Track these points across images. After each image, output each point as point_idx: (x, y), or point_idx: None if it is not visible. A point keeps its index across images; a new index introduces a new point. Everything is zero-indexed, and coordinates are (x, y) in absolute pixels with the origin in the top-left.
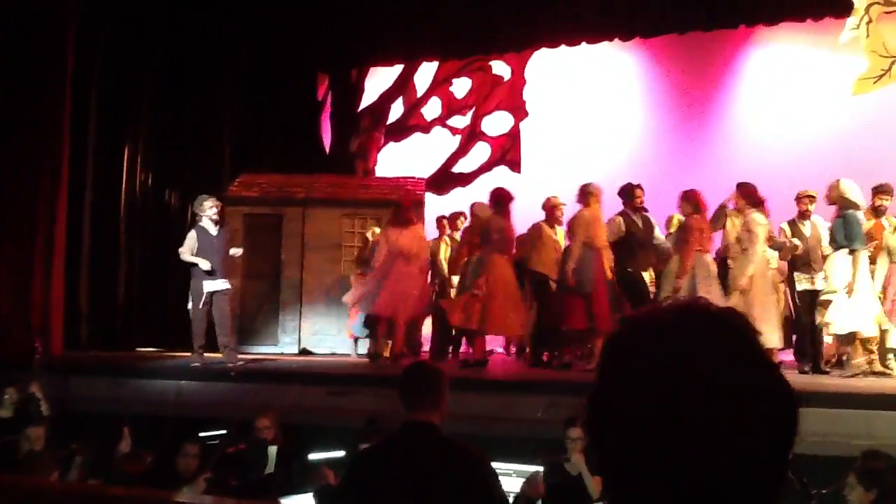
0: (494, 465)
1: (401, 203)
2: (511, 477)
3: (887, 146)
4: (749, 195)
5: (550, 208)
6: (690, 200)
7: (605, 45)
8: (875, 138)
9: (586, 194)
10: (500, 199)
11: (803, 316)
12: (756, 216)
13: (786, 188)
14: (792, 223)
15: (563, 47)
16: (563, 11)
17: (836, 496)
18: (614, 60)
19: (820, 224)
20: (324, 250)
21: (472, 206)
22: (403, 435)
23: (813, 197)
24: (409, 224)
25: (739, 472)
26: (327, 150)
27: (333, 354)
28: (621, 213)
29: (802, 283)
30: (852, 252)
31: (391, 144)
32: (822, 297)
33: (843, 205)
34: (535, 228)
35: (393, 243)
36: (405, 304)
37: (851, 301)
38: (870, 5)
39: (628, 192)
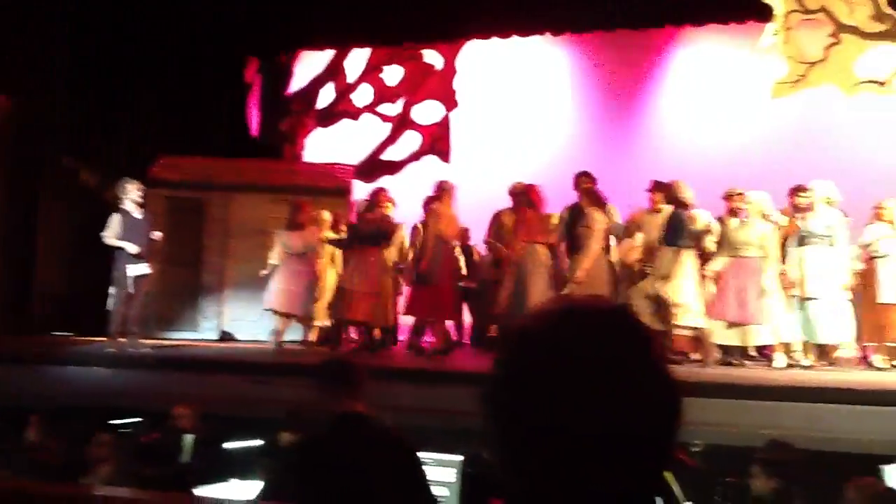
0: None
1: (297, 204)
2: (430, 466)
3: (805, 147)
4: (593, 194)
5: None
6: (524, 195)
7: (536, 38)
8: (794, 140)
9: (441, 190)
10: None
11: None
12: (597, 215)
13: (710, 186)
14: (720, 220)
15: (494, 39)
16: (494, 4)
17: (740, 485)
18: (545, 54)
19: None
20: (248, 236)
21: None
22: (342, 426)
23: (741, 195)
24: (299, 227)
25: (628, 458)
26: (254, 134)
27: (255, 341)
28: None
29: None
30: (679, 249)
31: (320, 130)
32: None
33: (676, 204)
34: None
35: (285, 243)
36: (296, 300)
37: (687, 297)
38: (789, 12)
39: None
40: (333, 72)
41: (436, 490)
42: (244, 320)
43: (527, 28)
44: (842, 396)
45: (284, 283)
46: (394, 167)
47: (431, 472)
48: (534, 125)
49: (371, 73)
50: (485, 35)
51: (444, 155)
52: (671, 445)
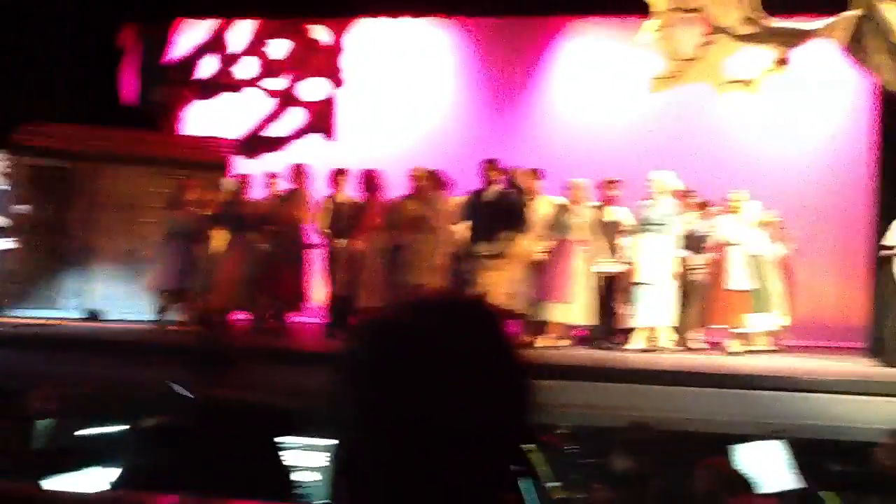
0: (291, 439)
1: (181, 183)
2: (302, 451)
3: (681, 141)
4: (437, 179)
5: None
6: (369, 181)
7: (426, 20)
8: (673, 131)
9: (298, 174)
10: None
11: None
12: (440, 198)
13: (593, 173)
14: (597, 209)
15: (384, 18)
16: None
17: (603, 465)
18: (434, 37)
19: (618, 211)
20: (119, 210)
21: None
22: (205, 411)
23: (614, 182)
24: (182, 206)
25: (484, 444)
26: (129, 103)
27: (125, 321)
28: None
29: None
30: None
31: (200, 102)
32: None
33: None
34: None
35: (168, 221)
36: (176, 280)
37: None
38: (667, 10)
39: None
40: (215, 42)
41: (307, 475)
42: (113, 298)
43: (417, 9)
44: (697, 380)
45: (166, 263)
46: (277, 143)
47: (303, 457)
48: (421, 107)
49: (256, 45)
50: (374, 14)
51: (329, 133)
52: (525, 431)
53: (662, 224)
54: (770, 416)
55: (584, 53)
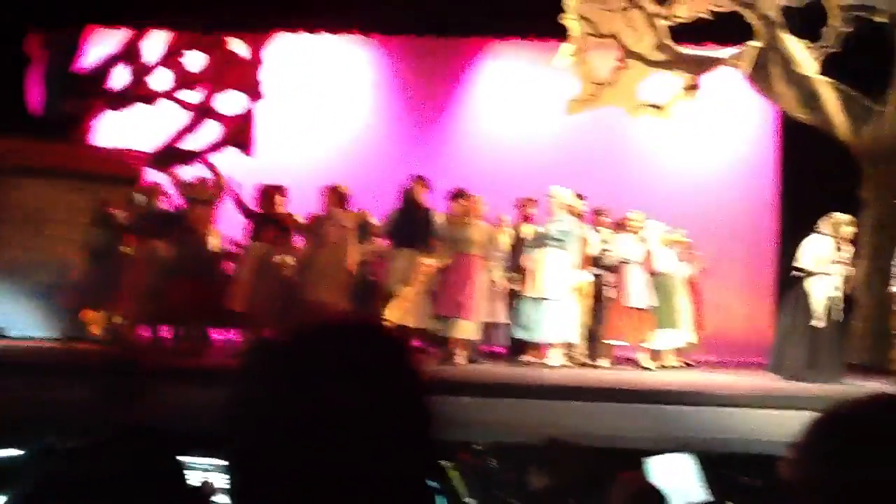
0: (200, 459)
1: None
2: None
3: (596, 162)
4: (338, 195)
5: None
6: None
7: (345, 37)
8: (587, 154)
9: (208, 185)
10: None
11: None
12: (342, 215)
13: (510, 192)
14: (516, 227)
15: (303, 34)
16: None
17: (520, 482)
18: (354, 54)
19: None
20: (23, 223)
21: None
22: (111, 436)
23: (531, 201)
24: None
25: (388, 466)
26: (36, 112)
27: (27, 338)
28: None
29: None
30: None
31: (112, 113)
32: None
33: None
34: None
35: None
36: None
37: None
38: (584, 34)
39: None
40: (129, 52)
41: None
42: (14, 315)
43: (336, 26)
44: (611, 395)
45: (84, 279)
46: (192, 157)
47: (218, 478)
48: (340, 123)
49: (171, 57)
50: (293, 29)
51: (246, 147)
52: (427, 447)
53: (561, 240)
54: (680, 430)
55: (503, 75)
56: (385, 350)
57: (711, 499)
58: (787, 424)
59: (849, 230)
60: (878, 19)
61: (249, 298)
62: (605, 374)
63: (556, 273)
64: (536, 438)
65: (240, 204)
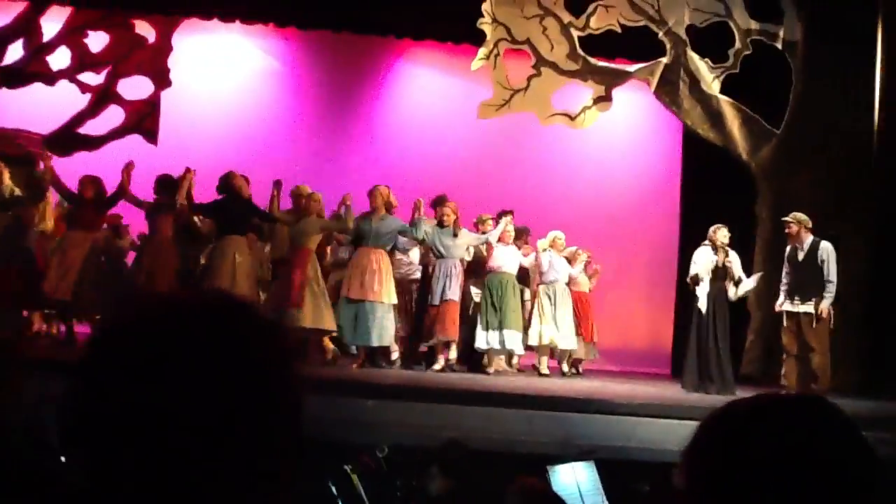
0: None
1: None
2: None
3: (504, 166)
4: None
5: None
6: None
7: (259, 27)
8: (496, 158)
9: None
10: None
11: None
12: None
13: (417, 193)
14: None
15: (216, 21)
16: None
17: (419, 486)
18: (268, 44)
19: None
20: None
21: None
22: None
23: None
24: None
25: (240, 462)
26: None
27: None
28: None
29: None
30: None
31: (6, 91)
32: None
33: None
34: None
35: None
36: None
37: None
38: (499, 40)
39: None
40: (26, 27)
41: None
42: None
43: (251, 16)
44: (513, 401)
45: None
46: (92, 143)
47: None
48: (249, 116)
49: (72, 35)
50: (205, 16)
51: (152, 136)
52: (291, 441)
53: (452, 249)
54: (581, 438)
55: (417, 77)
56: (256, 331)
57: None
58: (684, 434)
59: (724, 234)
60: (778, 45)
61: (74, 286)
62: (509, 379)
63: (445, 280)
64: (437, 442)
65: (65, 191)
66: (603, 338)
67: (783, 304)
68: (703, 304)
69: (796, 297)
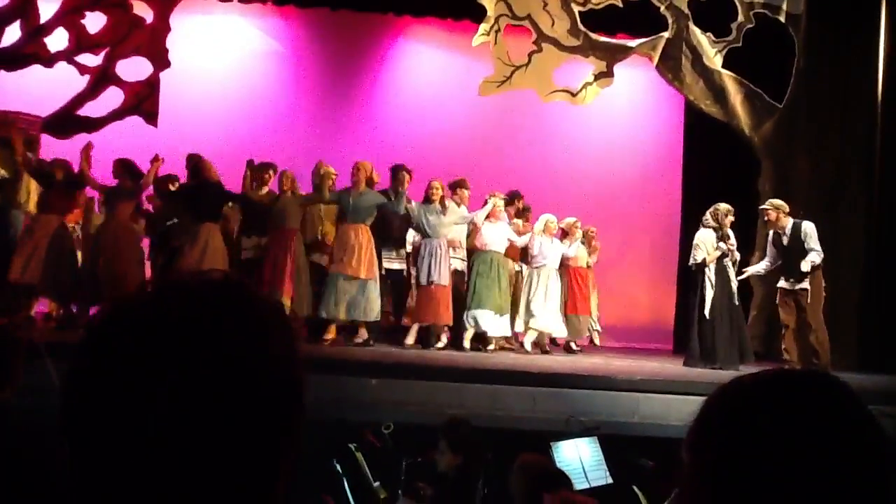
0: None
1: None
2: None
3: (506, 143)
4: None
5: None
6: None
7: (257, 6)
8: (498, 135)
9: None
10: None
11: None
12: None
13: (419, 171)
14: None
15: (214, 0)
16: None
17: (427, 463)
18: (267, 23)
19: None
20: None
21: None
22: None
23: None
24: None
25: (242, 445)
26: None
27: None
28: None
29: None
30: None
31: (4, 74)
32: None
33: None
34: None
35: None
36: None
37: None
38: (499, 16)
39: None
40: (23, 8)
41: None
42: None
43: None
44: (517, 378)
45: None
46: (92, 125)
47: None
48: (248, 96)
49: (69, 15)
50: None
51: (151, 117)
52: (294, 432)
53: (437, 227)
54: (584, 414)
55: (418, 53)
56: (257, 311)
57: (611, 481)
58: (688, 409)
59: (729, 219)
60: (781, 18)
61: (41, 270)
62: (511, 357)
63: (434, 260)
64: (441, 420)
65: (35, 172)
66: (605, 314)
67: (779, 282)
68: (709, 292)
69: (791, 279)
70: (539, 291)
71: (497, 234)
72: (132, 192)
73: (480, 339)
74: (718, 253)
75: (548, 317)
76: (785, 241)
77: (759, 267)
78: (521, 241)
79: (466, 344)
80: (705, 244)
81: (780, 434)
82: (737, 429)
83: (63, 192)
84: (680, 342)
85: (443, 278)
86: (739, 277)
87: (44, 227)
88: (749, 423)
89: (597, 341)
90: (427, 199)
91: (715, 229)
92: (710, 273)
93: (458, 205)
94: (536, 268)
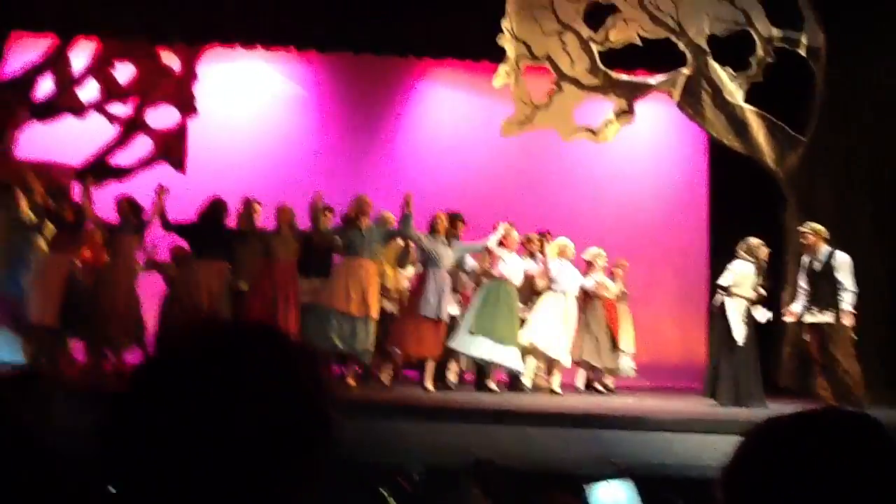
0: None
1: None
2: None
3: (529, 182)
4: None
5: None
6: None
7: (281, 52)
8: (520, 174)
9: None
10: None
11: None
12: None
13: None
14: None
15: (238, 48)
16: (239, 13)
17: None
18: (290, 69)
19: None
20: None
21: None
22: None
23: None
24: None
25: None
26: None
27: None
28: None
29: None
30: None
31: (38, 126)
32: None
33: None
34: None
35: None
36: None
37: None
38: (519, 56)
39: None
40: (56, 61)
41: None
42: None
43: (271, 41)
44: (547, 420)
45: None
46: (123, 173)
47: None
48: (274, 139)
49: (100, 67)
50: (228, 44)
51: (179, 164)
52: (316, 471)
53: (444, 258)
54: (617, 455)
55: (440, 95)
56: (295, 359)
57: None
58: (722, 448)
59: (765, 251)
60: (800, 52)
61: (58, 311)
62: (541, 398)
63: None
64: (469, 462)
65: (50, 215)
66: (635, 352)
67: (803, 316)
68: (739, 326)
69: (814, 308)
70: (551, 312)
71: (515, 265)
72: (137, 228)
73: (514, 381)
74: (754, 295)
75: (554, 340)
76: (817, 266)
77: (796, 307)
78: (536, 269)
79: (452, 378)
80: (736, 274)
81: (813, 476)
82: (769, 470)
83: (73, 232)
84: (710, 380)
85: (446, 315)
86: (785, 319)
87: (56, 268)
88: (781, 464)
89: (610, 383)
90: (433, 230)
91: (754, 264)
92: (734, 305)
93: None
94: (558, 292)
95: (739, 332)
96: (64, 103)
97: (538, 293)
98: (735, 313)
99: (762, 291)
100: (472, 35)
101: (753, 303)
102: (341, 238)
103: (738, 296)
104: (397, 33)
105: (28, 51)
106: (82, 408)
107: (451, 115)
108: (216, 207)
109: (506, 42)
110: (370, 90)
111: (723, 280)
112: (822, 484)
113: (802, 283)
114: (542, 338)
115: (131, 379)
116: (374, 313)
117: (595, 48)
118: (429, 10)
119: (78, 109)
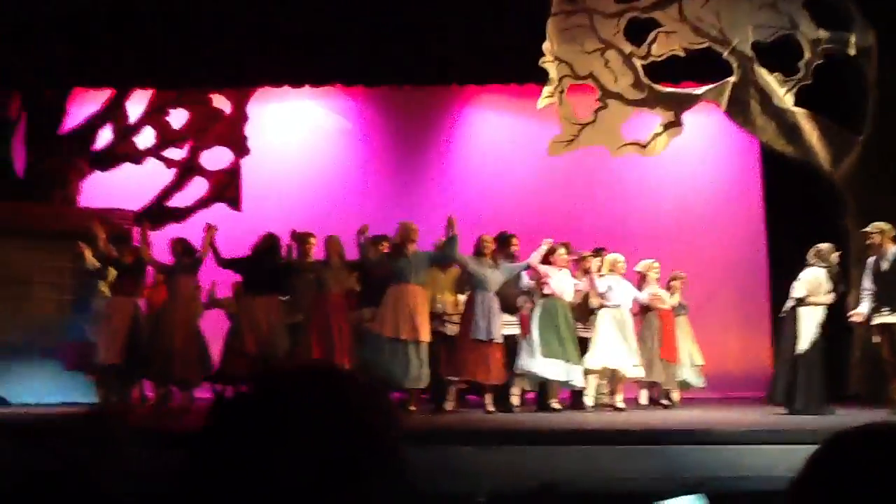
0: None
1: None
2: None
3: (579, 200)
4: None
5: None
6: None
7: (328, 89)
8: (570, 193)
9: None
10: None
11: None
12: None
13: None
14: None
15: (286, 87)
16: (285, 53)
17: None
18: (337, 104)
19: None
20: (6, 286)
21: None
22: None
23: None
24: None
25: None
26: (19, 174)
27: (30, 405)
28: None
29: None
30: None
31: (99, 174)
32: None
33: None
34: None
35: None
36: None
37: None
38: (562, 77)
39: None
40: (113, 111)
41: None
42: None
43: (319, 79)
44: (610, 438)
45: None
46: (181, 214)
47: None
48: (325, 174)
49: (155, 114)
50: (276, 84)
51: (235, 202)
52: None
53: (492, 281)
54: (685, 471)
55: (485, 121)
56: (358, 396)
57: None
58: (792, 459)
59: (836, 255)
60: (850, 52)
61: (125, 353)
62: (604, 415)
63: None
64: (534, 487)
65: (110, 259)
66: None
67: (872, 317)
68: (810, 333)
69: (884, 309)
70: (609, 330)
71: (564, 282)
72: (191, 267)
73: (577, 399)
74: (831, 298)
75: (622, 357)
76: (884, 266)
77: (862, 309)
78: (584, 286)
79: (515, 401)
80: (809, 282)
81: (883, 492)
82: (838, 486)
83: (134, 274)
84: (774, 389)
85: (500, 336)
86: (851, 320)
87: (120, 310)
88: (852, 478)
89: (675, 396)
90: (478, 253)
91: (826, 269)
92: (807, 313)
93: (512, 259)
94: (612, 307)
95: (808, 339)
96: (122, 151)
97: (593, 312)
98: (809, 321)
99: (835, 295)
100: (515, 59)
101: (829, 307)
102: (389, 265)
103: (812, 303)
104: (440, 63)
105: (88, 104)
106: (147, 444)
107: (497, 139)
108: (269, 242)
109: (548, 64)
110: (416, 120)
111: (796, 292)
112: (888, 499)
113: (868, 284)
114: (610, 358)
115: (205, 423)
116: (425, 337)
117: (638, 63)
118: (470, 37)
119: (135, 156)
